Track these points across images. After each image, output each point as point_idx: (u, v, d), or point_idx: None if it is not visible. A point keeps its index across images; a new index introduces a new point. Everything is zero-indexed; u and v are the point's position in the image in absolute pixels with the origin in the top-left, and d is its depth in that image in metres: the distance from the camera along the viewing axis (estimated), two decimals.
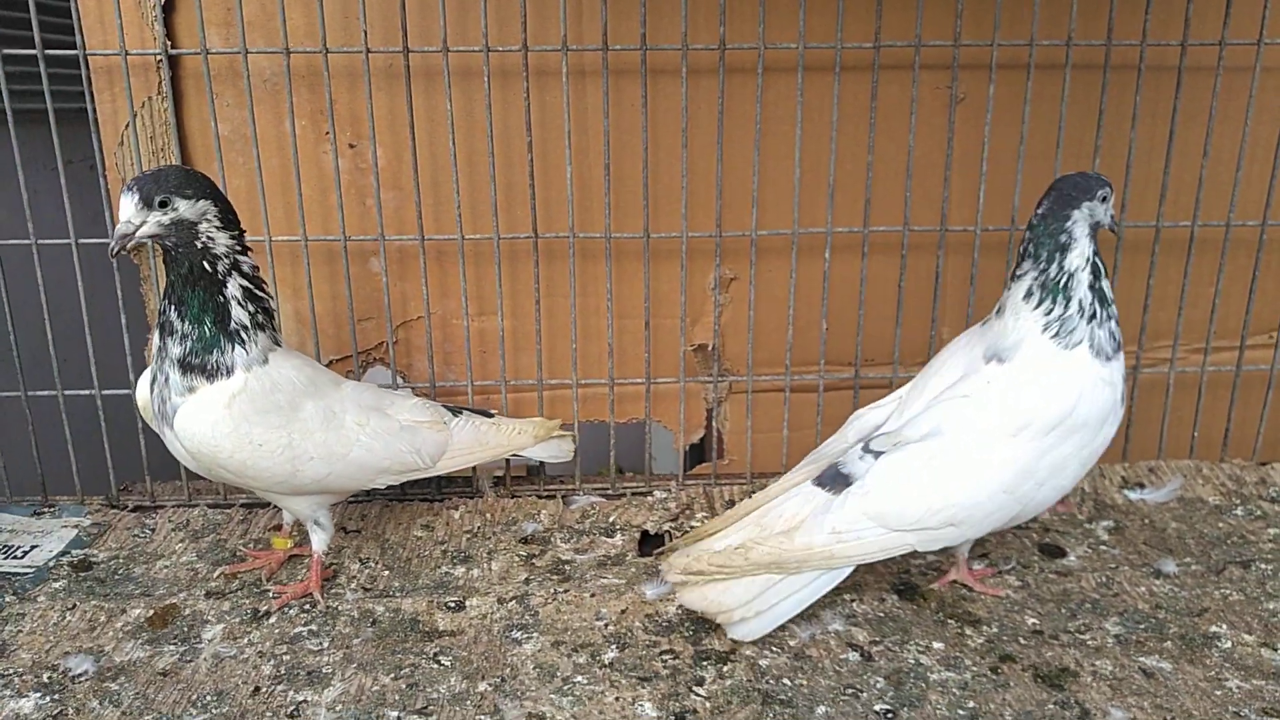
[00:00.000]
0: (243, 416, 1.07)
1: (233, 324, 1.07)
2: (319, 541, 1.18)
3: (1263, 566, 1.20)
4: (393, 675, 1.03)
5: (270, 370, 1.09)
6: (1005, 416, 1.06)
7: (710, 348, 1.44)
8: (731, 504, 1.37)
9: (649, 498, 1.39)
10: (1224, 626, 1.09)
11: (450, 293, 1.38)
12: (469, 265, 1.37)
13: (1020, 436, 1.05)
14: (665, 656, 1.05)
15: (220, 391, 1.06)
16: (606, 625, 1.10)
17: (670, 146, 1.34)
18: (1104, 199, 1.08)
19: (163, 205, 1.01)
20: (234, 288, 1.07)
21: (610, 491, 1.41)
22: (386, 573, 1.22)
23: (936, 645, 1.07)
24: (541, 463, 1.38)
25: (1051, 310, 1.07)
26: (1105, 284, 1.09)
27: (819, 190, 1.35)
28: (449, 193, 1.32)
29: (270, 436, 1.08)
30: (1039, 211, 1.09)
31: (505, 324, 1.39)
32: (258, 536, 1.31)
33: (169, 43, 1.26)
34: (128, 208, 1.01)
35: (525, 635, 1.09)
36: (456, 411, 1.27)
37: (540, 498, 1.39)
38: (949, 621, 1.11)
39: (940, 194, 1.34)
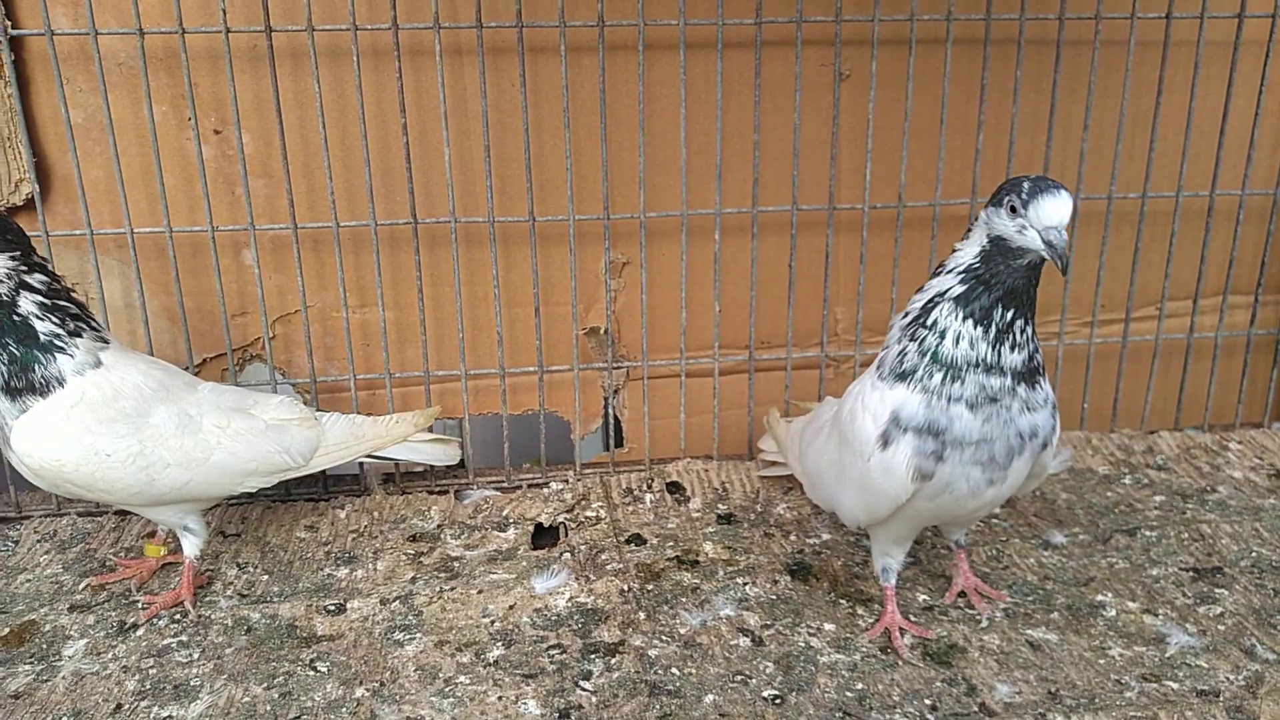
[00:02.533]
0: (85, 428, 1.01)
1: (42, 336, 1.01)
2: (191, 547, 1.12)
3: (1148, 534, 1.22)
4: (265, 685, 0.98)
5: (109, 375, 1.03)
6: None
7: (604, 333, 1.41)
8: (629, 492, 1.35)
9: (545, 489, 1.36)
10: (1109, 595, 1.10)
11: (329, 284, 1.33)
12: (348, 255, 1.31)
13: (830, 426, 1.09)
14: (553, 651, 1.02)
15: (57, 404, 1.00)
16: (493, 622, 1.07)
17: (553, 127, 1.30)
18: (1012, 208, 0.89)
19: None
20: (28, 304, 1.00)
21: (505, 484, 1.37)
22: (265, 577, 1.17)
23: (828, 627, 1.06)
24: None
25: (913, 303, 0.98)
26: (959, 321, 0.91)
27: (707, 170, 1.32)
28: (323, 179, 1.26)
29: (118, 446, 1.02)
30: None
31: (388, 315, 1.34)
32: (130, 545, 1.24)
33: (8, 23, 1.18)
34: None
35: (408, 636, 1.05)
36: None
37: (431, 493, 1.34)
38: (841, 601, 1.10)
39: (828, 172, 1.33)
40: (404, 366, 1.37)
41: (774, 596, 1.11)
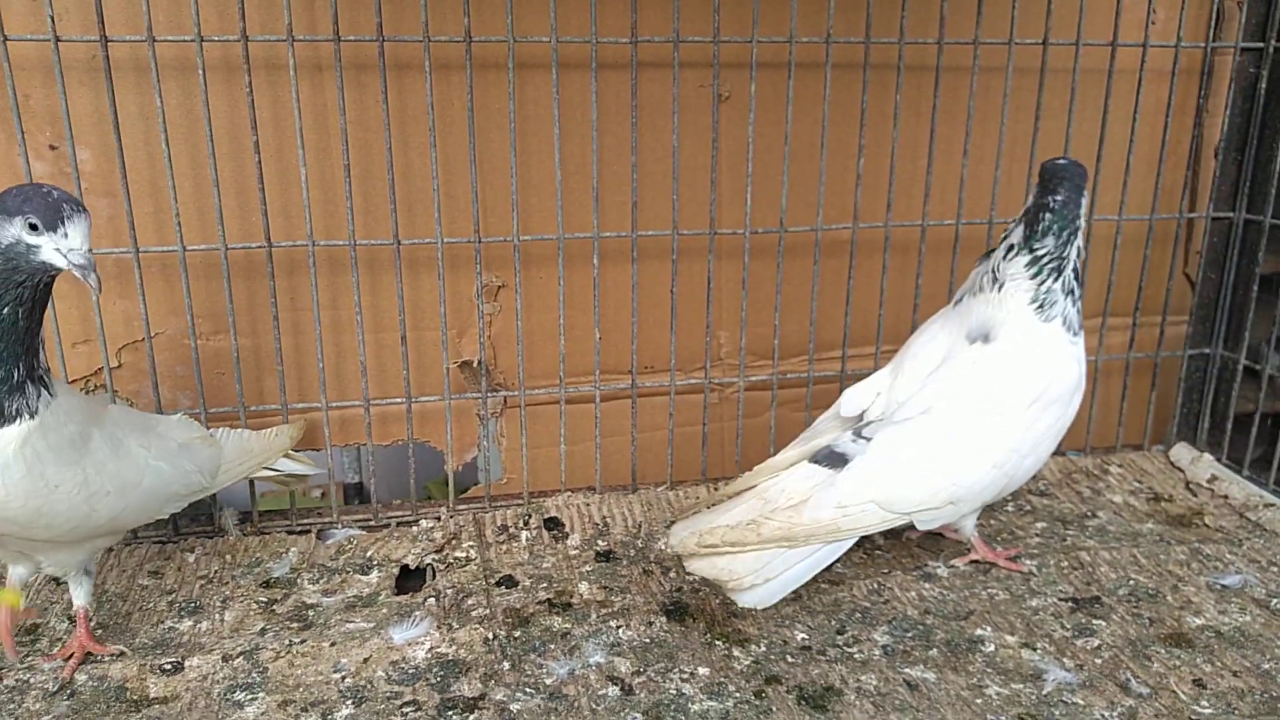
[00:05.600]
0: (36, 456, 0.88)
1: (40, 364, 0.89)
2: (84, 595, 1.03)
3: (1028, 562, 1.21)
4: None
5: (60, 399, 0.92)
6: (991, 394, 1.11)
7: (477, 363, 1.34)
8: (504, 529, 1.29)
9: (414, 528, 1.28)
10: (989, 629, 1.08)
11: (179, 310, 1.24)
12: (201, 279, 1.23)
13: (1005, 413, 1.11)
14: (407, 709, 0.95)
15: (9, 434, 0.87)
16: (344, 678, 0.99)
17: (420, 146, 1.24)
18: (33, 225, 0.90)
19: None
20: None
21: (372, 522, 1.30)
22: (99, 632, 1.07)
23: (702, 671, 1.01)
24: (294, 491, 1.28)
25: (1044, 282, 1.12)
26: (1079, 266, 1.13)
27: (584, 193, 1.27)
28: (170, 200, 1.18)
29: (66, 475, 0.91)
30: (1058, 198, 1.10)
31: (245, 343, 1.25)
32: None
33: None
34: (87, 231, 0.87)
35: (249, 697, 0.97)
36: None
37: (291, 533, 1.26)
38: (717, 643, 1.06)
39: (709, 196, 1.30)
40: (261, 398, 1.29)
41: (648, 640, 1.06)
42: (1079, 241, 1.12)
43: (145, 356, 1.24)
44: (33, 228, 0.84)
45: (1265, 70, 1.40)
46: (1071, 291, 1.13)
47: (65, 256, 0.85)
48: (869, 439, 1.10)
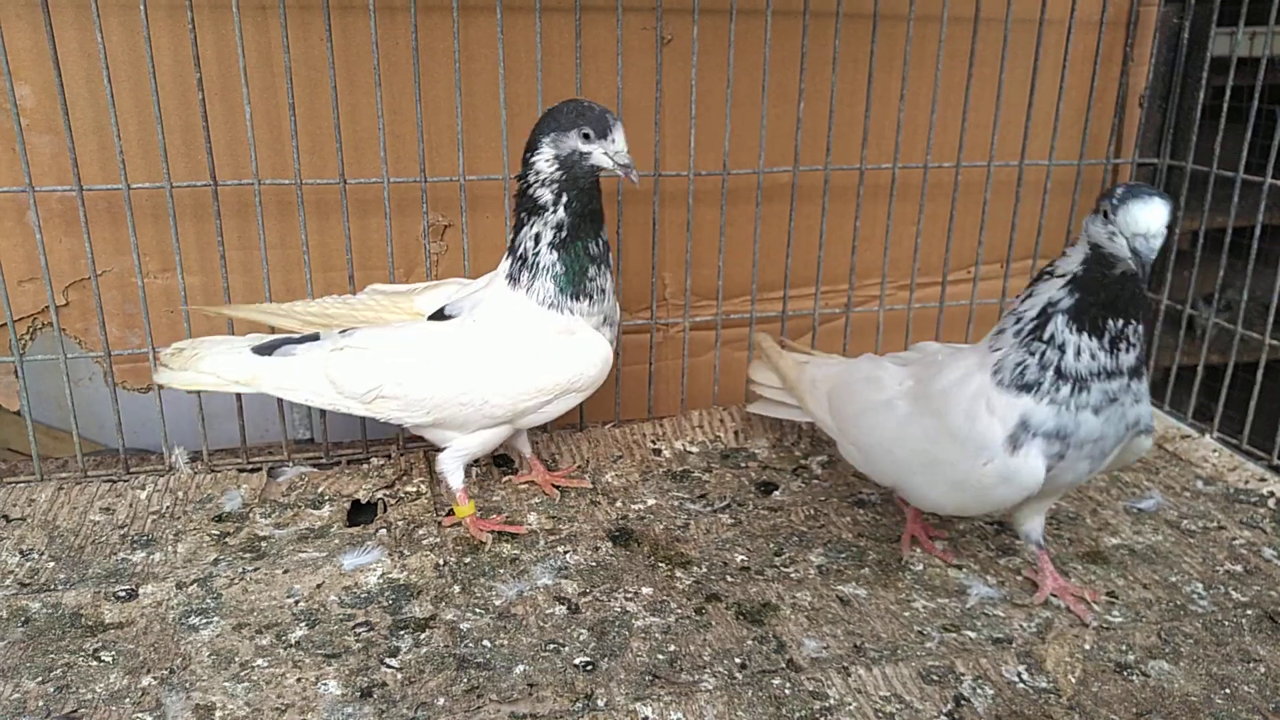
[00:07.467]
0: None
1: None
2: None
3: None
4: (39, 679, 0.91)
5: None
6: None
7: None
8: None
9: (365, 465, 1.31)
10: (918, 549, 1.14)
11: (126, 248, 1.24)
12: (150, 217, 1.23)
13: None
14: (360, 629, 0.98)
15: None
16: (297, 602, 1.02)
17: (366, 86, 1.25)
18: (1105, 214, 0.89)
19: None
20: None
21: (323, 460, 1.32)
22: (51, 564, 1.09)
23: (645, 590, 1.05)
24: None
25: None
26: (1075, 334, 0.93)
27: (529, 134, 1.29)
28: (113, 137, 1.17)
29: None
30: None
31: (194, 280, 1.26)
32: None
33: None
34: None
35: (204, 620, 0.99)
36: None
37: (243, 471, 1.28)
38: (660, 565, 1.10)
39: (653, 138, 1.32)
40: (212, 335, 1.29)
41: (594, 563, 1.10)
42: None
43: (92, 295, 1.24)
44: (585, 137, 0.99)
45: (1188, 21, 1.46)
46: (1025, 338, 0.96)
47: (611, 159, 1.00)
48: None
